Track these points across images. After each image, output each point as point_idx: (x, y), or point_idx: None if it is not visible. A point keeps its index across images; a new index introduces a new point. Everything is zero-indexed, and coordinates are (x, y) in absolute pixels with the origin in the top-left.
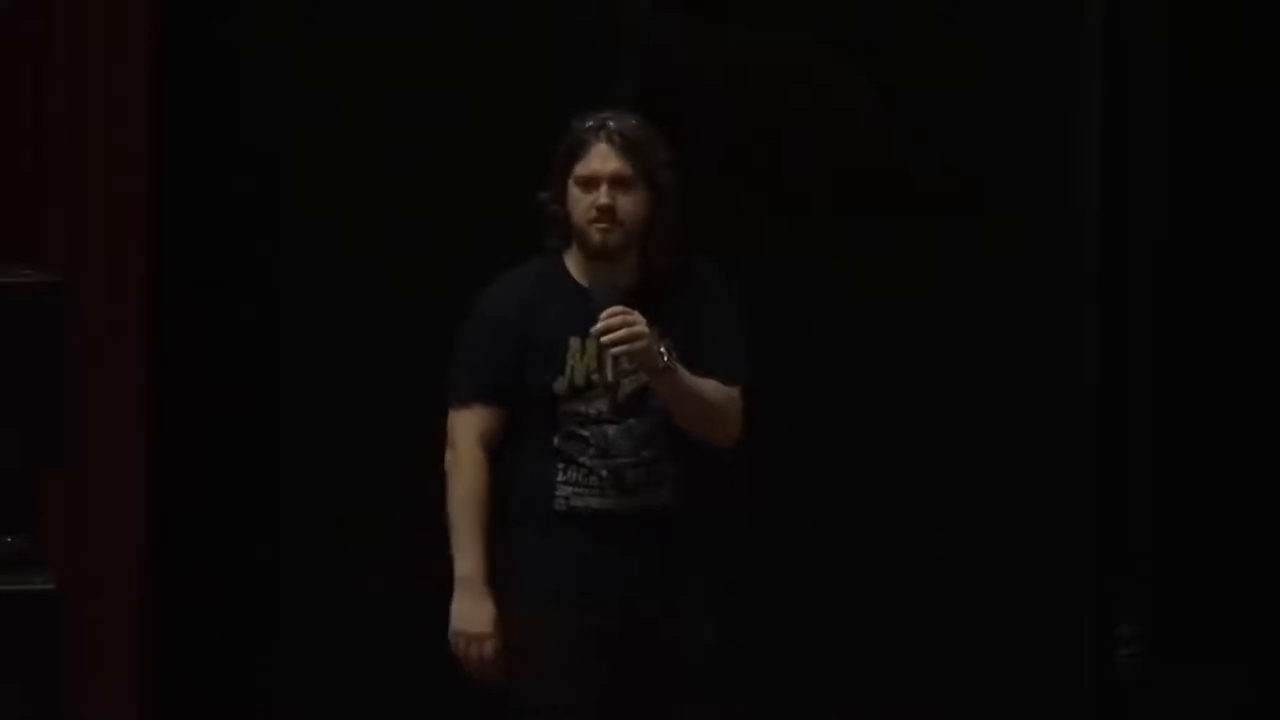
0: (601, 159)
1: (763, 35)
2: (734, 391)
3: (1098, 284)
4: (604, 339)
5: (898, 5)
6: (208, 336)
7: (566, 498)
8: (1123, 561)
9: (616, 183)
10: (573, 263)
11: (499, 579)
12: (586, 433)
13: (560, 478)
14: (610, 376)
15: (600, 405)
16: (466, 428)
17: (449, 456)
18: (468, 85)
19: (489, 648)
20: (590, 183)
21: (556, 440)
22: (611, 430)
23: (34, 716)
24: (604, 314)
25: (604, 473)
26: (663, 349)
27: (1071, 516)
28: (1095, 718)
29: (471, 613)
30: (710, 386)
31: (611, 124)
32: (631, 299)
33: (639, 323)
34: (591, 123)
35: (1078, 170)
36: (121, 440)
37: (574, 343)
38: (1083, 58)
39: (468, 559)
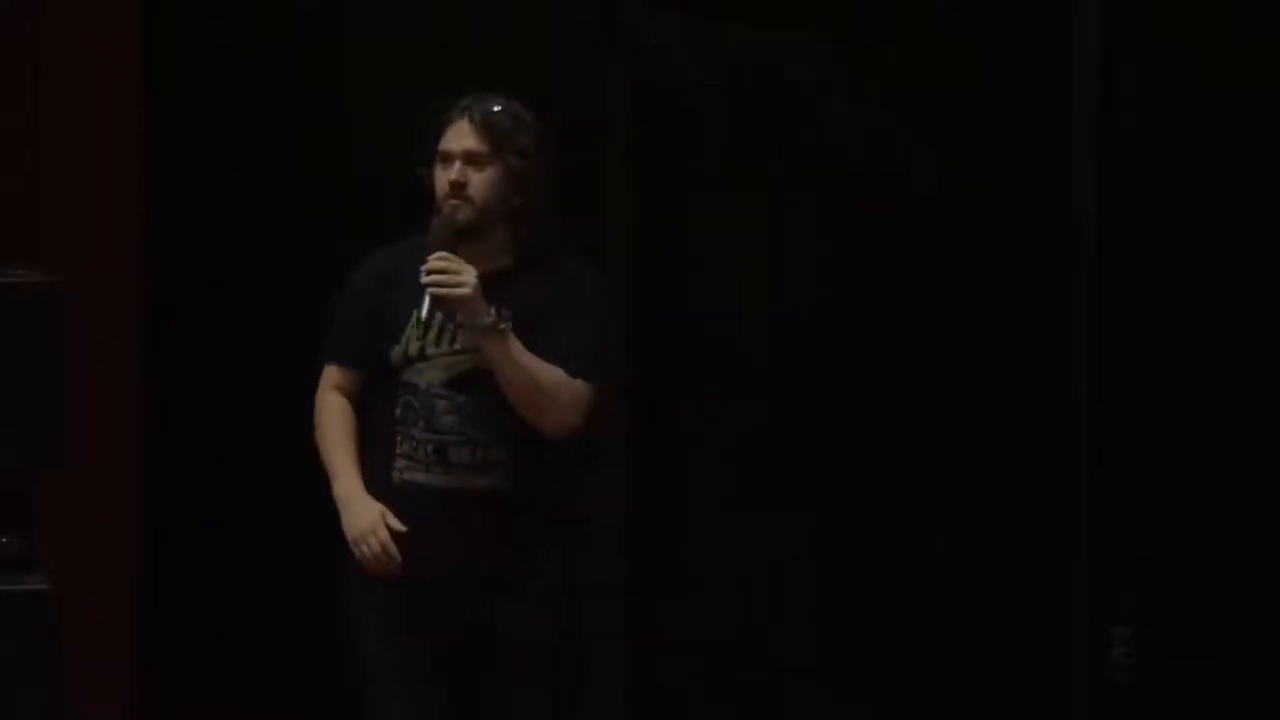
0: (458, 136)
1: (762, 35)
2: (575, 383)
3: (1094, 284)
4: (425, 280)
5: (898, 5)
6: (205, 337)
7: (401, 470)
8: (1117, 563)
9: (469, 160)
10: None
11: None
12: (417, 403)
13: (398, 449)
14: (424, 313)
15: (429, 377)
16: (326, 381)
17: (315, 412)
18: (468, 85)
19: (383, 533)
20: (447, 159)
21: (397, 410)
22: (439, 404)
23: (30, 716)
24: (431, 257)
25: (429, 447)
26: (492, 309)
27: (1066, 518)
28: (1089, 718)
29: (360, 515)
30: (546, 369)
31: (474, 104)
32: (500, 282)
33: (466, 271)
34: (459, 102)
35: (1075, 170)
36: (118, 440)
37: (414, 313)
38: (1080, 58)
39: (343, 477)
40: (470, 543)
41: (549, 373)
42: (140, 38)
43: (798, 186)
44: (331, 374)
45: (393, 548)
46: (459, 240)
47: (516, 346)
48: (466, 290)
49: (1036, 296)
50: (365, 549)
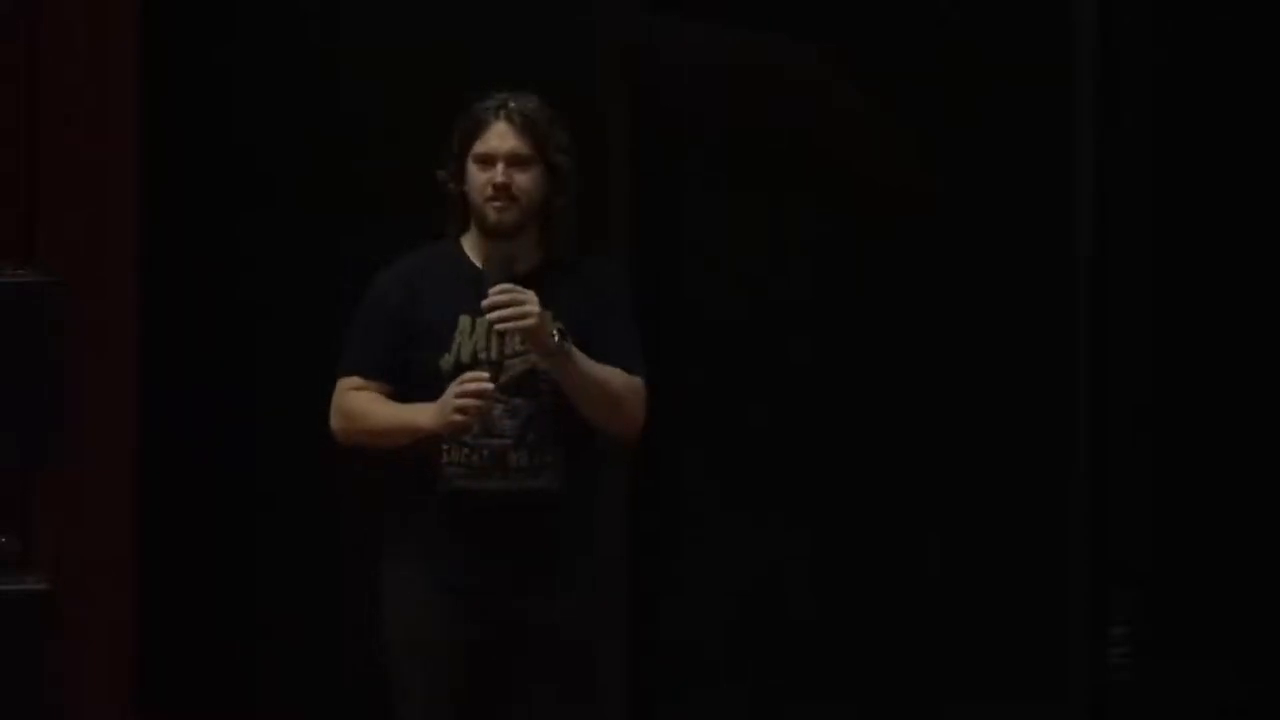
0: (500, 137)
1: (762, 35)
2: (636, 382)
3: (1094, 284)
4: (490, 315)
5: (898, 5)
6: (205, 337)
7: (450, 479)
8: (1115, 563)
9: (513, 161)
10: (470, 245)
11: (384, 561)
12: None
13: (445, 459)
14: (494, 354)
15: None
16: (345, 388)
17: (334, 418)
18: (468, 85)
19: (454, 391)
20: (488, 160)
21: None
22: (496, 409)
23: (30, 716)
24: (492, 290)
25: (486, 452)
26: (555, 331)
27: (1066, 517)
28: (1086, 717)
29: (439, 404)
30: (610, 373)
31: (511, 103)
32: (529, 282)
33: (529, 301)
34: (491, 102)
35: (1075, 171)
36: (118, 440)
37: (464, 321)
38: (1081, 58)
39: (417, 411)
40: (521, 544)
41: (615, 377)
42: (140, 37)
43: (798, 186)
44: (352, 384)
45: (469, 391)
46: (516, 271)
47: (581, 359)
48: (532, 321)
49: (1037, 295)
50: (463, 410)
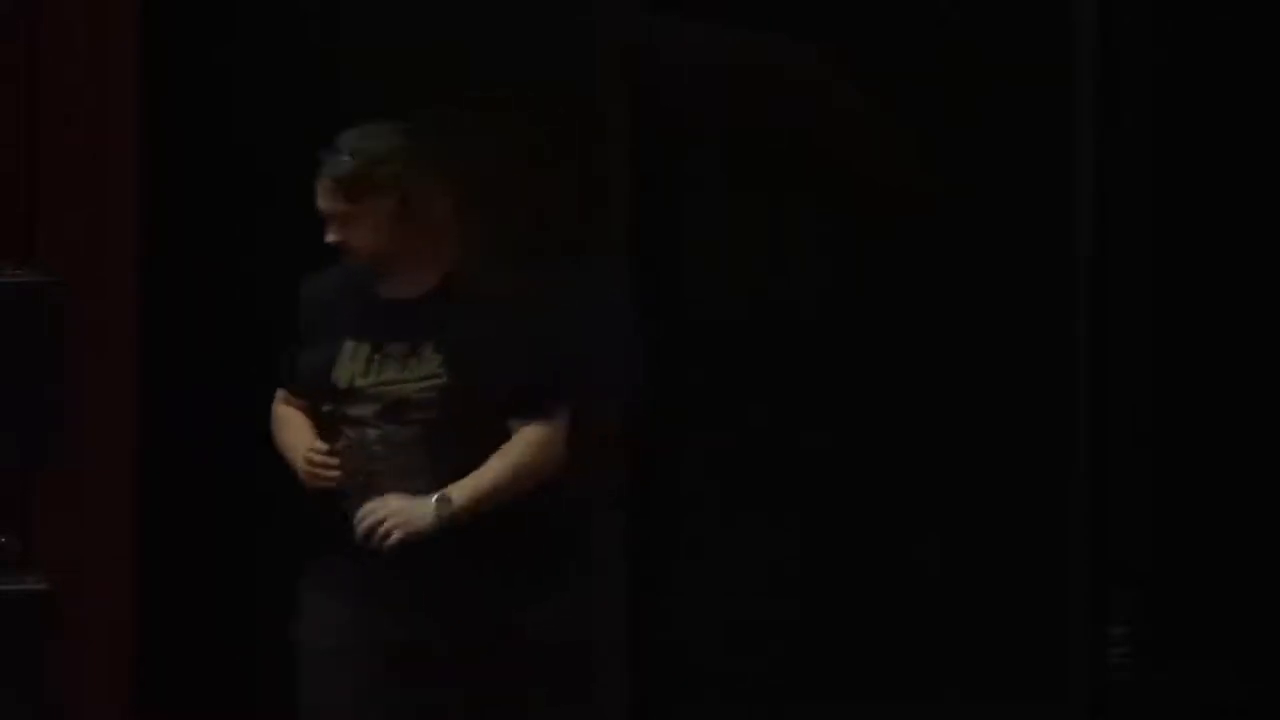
0: (321, 196)
1: (760, 35)
2: (539, 433)
3: (1092, 285)
4: (369, 547)
5: (898, 5)
6: (205, 337)
7: (348, 503)
8: (1115, 563)
9: (335, 218)
10: None
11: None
12: (353, 434)
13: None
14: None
15: (362, 409)
16: (277, 399)
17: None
18: (468, 85)
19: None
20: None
21: (340, 443)
22: (371, 434)
23: (29, 716)
24: (357, 524)
25: (361, 479)
26: (433, 513)
27: (1064, 518)
28: (1086, 717)
29: (302, 450)
30: (507, 465)
31: (327, 158)
32: (418, 309)
33: (390, 514)
34: (324, 153)
35: (1075, 172)
36: (118, 440)
37: (348, 345)
38: (1079, 57)
39: (295, 454)
40: (412, 571)
41: (512, 462)
42: (140, 37)
43: (798, 186)
44: (280, 395)
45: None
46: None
47: (474, 490)
48: (406, 528)
49: (1037, 295)
50: (309, 475)
